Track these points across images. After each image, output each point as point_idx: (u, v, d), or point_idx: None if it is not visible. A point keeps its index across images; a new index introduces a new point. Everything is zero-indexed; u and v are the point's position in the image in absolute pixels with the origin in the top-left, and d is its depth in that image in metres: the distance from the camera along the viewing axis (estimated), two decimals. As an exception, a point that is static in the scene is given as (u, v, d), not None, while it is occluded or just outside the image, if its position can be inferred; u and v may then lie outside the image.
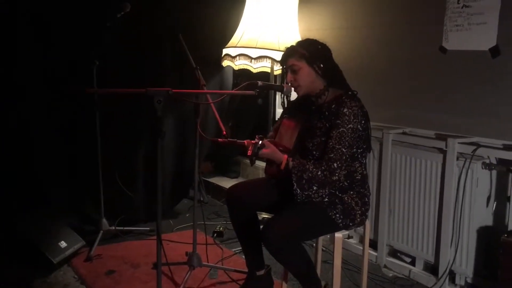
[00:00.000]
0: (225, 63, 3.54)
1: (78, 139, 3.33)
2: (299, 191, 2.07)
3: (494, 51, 2.48)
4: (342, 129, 2.06)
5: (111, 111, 3.17)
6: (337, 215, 2.11)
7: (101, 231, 3.15)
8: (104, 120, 3.08)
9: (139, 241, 3.29)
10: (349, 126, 2.06)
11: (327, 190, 2.10)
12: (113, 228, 3.26)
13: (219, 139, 2.22)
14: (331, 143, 2.06)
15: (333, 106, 2.13)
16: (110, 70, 3.09)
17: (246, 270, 2.52)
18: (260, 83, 2.25)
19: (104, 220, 3.18)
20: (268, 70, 3.48)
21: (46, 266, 2.75)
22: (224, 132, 2.34)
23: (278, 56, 3.32)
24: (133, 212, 3.53)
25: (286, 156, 2.10)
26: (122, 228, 3.32)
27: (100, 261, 2.95)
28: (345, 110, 2.07)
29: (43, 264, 2.75)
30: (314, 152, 2.16)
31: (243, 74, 3.99)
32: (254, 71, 3.48)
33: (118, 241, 3.25)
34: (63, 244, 2.89)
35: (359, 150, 2.15)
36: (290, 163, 2.08)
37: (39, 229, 2.92)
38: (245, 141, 2.12)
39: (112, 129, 3.32)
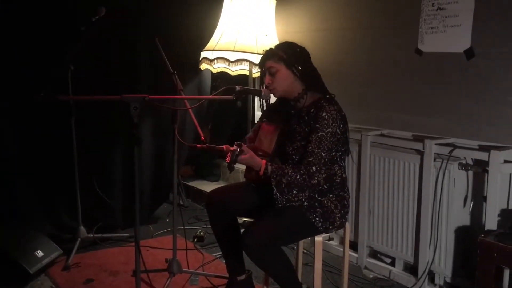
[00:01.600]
0: (203, 66, 3.51)
1: (53, 146, 3.26)
2: (279, 195, 2.07)
3: (469, 53, 2.51)
4: (321, 133, 2.06)
5: (86, 117, 3.12)
6: (317, 219, 2.11)
7: (79, 239, 3.09)
8: (79, 126, 3.02)
9: (117, 248, 3.25)
10: (328, 130, 2.06)
11: (306, 194, 2.11)
12: (91, 235, 3.20)
13: (197, 145, 2.20)
14: (310, 147, 2.07)
15: (312, 110, 2.13)
16: (84, 75, 3.02)
17: (227, 275, 2.50)
18: (238, 87, 2.24)
19: (82, 228, 3.13)
20: (247, 73, 3.47)
21: (22, 276, 2.68)
22: (203, 137, 2.32)
23: (256, 59, 3.31)
24: (111, 219, 3.48)
25: (264, 161, 2.10)
26: (100, 235, 3.27)
27: (78, 269, 2.89)
28: (324, 114, 2.07)
29: (19, 274, 2.68)
30: (294, 157, 2.16)
31: (221, 76, 3.97)
32: (233, 74, 3.46)
33: (97, 249, 3.20)
34: (39, 253, 2.82)
35: (338, 153, 2.15)
36: (269, 168, 2.08)
37: (14, 238, 2.85)
38: (224, 146, 2.11)
39: (88, 134, 3.26)
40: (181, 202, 4.14)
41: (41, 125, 3.23)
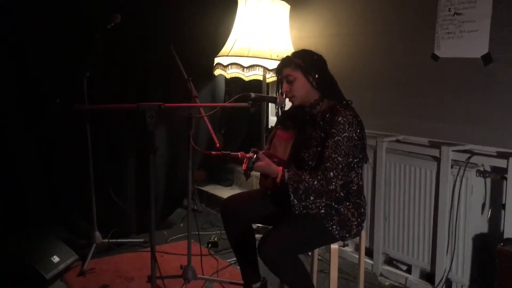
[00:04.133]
0: (217, 72, 3.52)
1: (68, 152, 3.28)
2: (296, 202, 2.06)
3: (486, 59, 2.48)
4: (337, 138, 2.04)
5: (101, 123, 3.14)
6: (334, 227, 2.09)
7: (94, 244, 3.10)
8: (94, 132, 3.04)
9: (132, 253, 3.26)
10: (344, 134, 2.05)
11: (324, 201, 2.09)
12: (106, 241, 3.21)
13: (212, 152, 2.20)
14: (327, 153, 2.05)
15: (327, 115, 2.12)
16: (98, 83, 3.04)
17: (242, 282, 2.49)
18: (253, 95, 2.24)
19: (97, 233, 3.14)
20: (261, 78, 3.47)
21: (38, 282, 2.70)
22: (218, 145, 2.32)
23: (270, 64, 3.31)
24: (125, 224, 3.49)
25: (281, 168, 2.09)
26: (115, 240, 3.28)
27: (93, 275, 2.90)
28: (339, 119, 2.05)
29: (36, 280, 2.69)
30: (310, 162, 2.14)
31: (235, 81, 3.97)
32: (246, 79, 3.46)
33: (112, 254, 3.21)
34: (55, 258, 2.84)
35: (355, 160, 2.13)
36: (286, 175, 2.07)
37: (30, 244, 2.87)
38: (239, 154, 2.11)
39: (102, 140, 3.28)
40: (195, 207, 4.15)
41: (57, 131, 3.25)
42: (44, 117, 3.14)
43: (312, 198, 2.07)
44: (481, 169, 2.51)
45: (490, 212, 2.53)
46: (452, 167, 2.57)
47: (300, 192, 2.04)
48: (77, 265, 2.97)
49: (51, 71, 3.14)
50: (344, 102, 2.16)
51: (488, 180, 2.52)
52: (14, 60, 3.10)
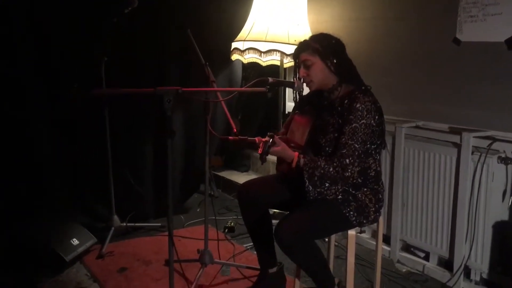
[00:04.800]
0: (234, 57, 3.50)
1: (86, 136, 3.31)
2: (311, 188, 2.04)
3: (510, 43, 2.42)
4: (355, 124, 2.02)
5: (118, 107, 3.15)
6: (351, 213, 2.08)
7: (112, 228, 3.14)
8: (111, 116, 3.06)
9: (150, 237, 3.29)
10: (362, 121, 2.02)
11: (340, 187, 2.08)
12: (124, 224, 3.25)
13: (229, 137, 2.19)
14: (343, 139, 2.03)
15: (346, 101, 2.09)
16: (116, 67, 3.05)
17: (258, 266, 2.50)
18: (271, 79, 2.22)
19: (116, 217, 3.18)
20: (278, 63, 3.44)
21: (58, 264, 2.75)
22: (235, 130, 2.31)
23: (288, 49, 3.27)
24: (143, 209, 3.52)
25: (297, 153, 2.07)
26: (133, 224, 3.32)
27: (112, 258, 2.95)
28: (358, 105, 2.02)
29: (56, 262, 2.75)
30: (327, 149, 2.13)
31: (252, 66, 3.95)
32: (263, 64, 3.44)
33: (129, 238, 3.25)
34: (75, 241, 2.88)
35: (372, 146, 2.11)
36: (301, 160, 2.05)
37: (50, 227, 2.91)
38: (256, 139, 2.09)
39: (120, 125, 3.30)
40: (211, 193, 4.16)
41: (75, 116, 3.27)
42: (63, 102, 3.16)
43: (327, 184, 2.05)
44: (503, 155, 2.46)
45: (511, 200, 2.48)
46: (472, 153, 2.53)
47: (315, 178, 2.02)
48: (96, 248, 3.01)
49: (70, 56, 3.16)
50: (363, 87, 2.12)
51: (510, 167, 2.47)
52: (34, 46, 3.12)
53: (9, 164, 3.02)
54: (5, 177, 2.92)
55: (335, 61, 2.10)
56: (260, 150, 2.00)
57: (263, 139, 2.01)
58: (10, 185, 3.01)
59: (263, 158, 2.03)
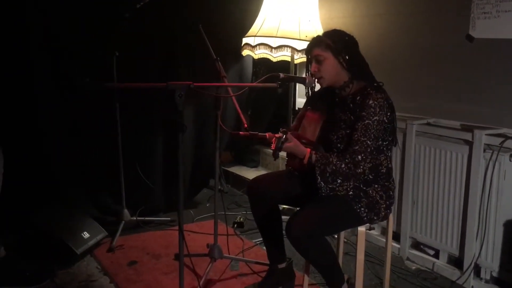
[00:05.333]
0: (245, 52, 3.50)
1: (97, 130, 3.33)
2: (323, 184, 2.04)
3: (524, 40, 2.40)
4: (367, 121, 2.01)
5: (129, 101, 3.16)
6: (362, 209, 2.07)
7: (123, 222, 3.16)
8: (122, 110, 3.07)
9: (160, 231, 3.31)
10: (375, 118, 2.01)
11: (351, 183, 2.08)
12: (134, 218, 3.27)
13: (240, 132, 2.19)
14: (356, 136, 2.02)
15: (358, 98, 2.09)
16: (127, 62, 3.06)
17: (268, 262, 2.51)
18: (282, 75, 2.22)
19: (126, 211, 3.20)
20: (288, 59, 3.43)
21: (69, 257, 2.77)
22: (246, 125, 2.31)
23: (299, 45, 3.27)
24: (153, 203, 3.54)
25: (309, 149, 2.07)
26: (143, 218, 3.34)
27: (122, 251, 2.97)
28: (370, 102, 2.02)
29: (66, 255, 2.77)
30: (339, 145, 2.13)
31: (262, 62, 3.94)
32: (274, 60, 3.43)
33: (139, 232, 3.27)
34: (85, 234, 2.91)
35: (384, 143, 2.10)
36: (313, 157, 2.05)
37: (61, 220, 2.93)
38: (267, 134, 2.09)
39: (131, 120, 3.31)
40: (221, 188, 4.17)
41: (86, 110, 3.29)
42: (75, 96, 3.18)
43: (339, 181, 2.05)
44: (515, 153, 2.44)
45: (523, 198, 2.47)
46: (484, 151, 2.51)
47: (327, 174, 2.02)
48: (106, 241, 3.03)
49: (82, 50, 3.17)
50: (375, 84, 2.11)
51: (522, 165, 2.45)
52: (45, 42, 3.14)
53: (23, 159, 3.04)
54: (18, 172, 2.94)
55: (347, 57, 2.09)
56: (273, 146, 2.00)
57: (276, 135, 2.01)
58: (23, 179, 3.03)
59: (276, 154, 2.03)
